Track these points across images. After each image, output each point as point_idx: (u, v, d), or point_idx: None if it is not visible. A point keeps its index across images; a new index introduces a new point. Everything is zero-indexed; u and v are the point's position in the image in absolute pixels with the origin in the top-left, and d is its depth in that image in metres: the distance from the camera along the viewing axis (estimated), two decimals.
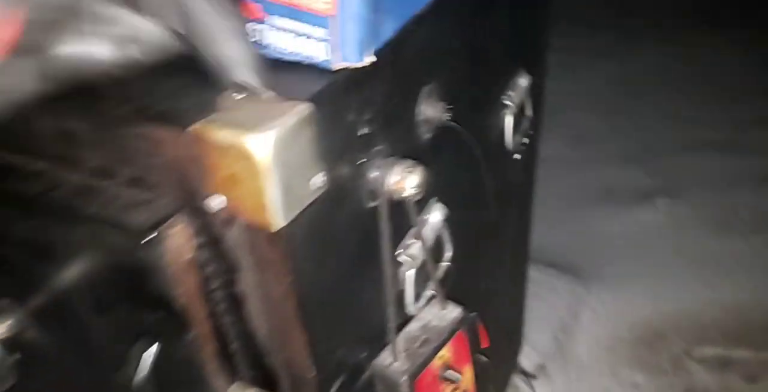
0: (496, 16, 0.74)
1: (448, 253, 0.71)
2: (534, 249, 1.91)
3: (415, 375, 0.60)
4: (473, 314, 0.73)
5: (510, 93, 0.85)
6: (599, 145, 2.43)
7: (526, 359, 1.56)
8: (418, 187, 0.51)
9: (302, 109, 0.39)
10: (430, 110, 0.58)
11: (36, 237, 0.45)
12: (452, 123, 0.60)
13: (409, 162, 0.51)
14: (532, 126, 0.95)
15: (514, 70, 0.85)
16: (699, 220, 2.02)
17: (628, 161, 2.33)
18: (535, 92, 0.94)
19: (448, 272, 0.71)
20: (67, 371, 0.54)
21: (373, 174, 0.50)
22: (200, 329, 0.46)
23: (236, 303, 0.48)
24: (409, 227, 0.60)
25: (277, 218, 0.40)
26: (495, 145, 0.86)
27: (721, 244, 1.93)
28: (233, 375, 0.52)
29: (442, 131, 0.62)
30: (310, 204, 0.43)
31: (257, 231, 0.42)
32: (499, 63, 0.80)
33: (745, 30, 2.95)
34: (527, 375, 1.53)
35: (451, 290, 0.71)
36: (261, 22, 0.44)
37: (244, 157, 0.38)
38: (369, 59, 0.44)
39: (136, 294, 0.44)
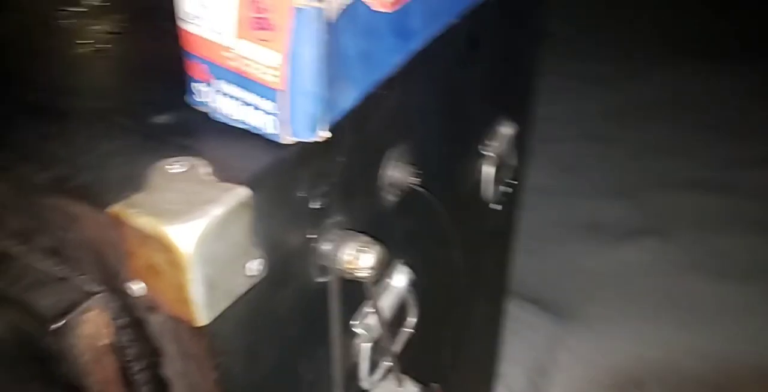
0: (477, 68, 0.70)
1: (412, 320, 0.67)
2: (515, 282, 1.87)
3: None
4: (437, 386, 0.69)
5: (490, 143, 0.81)
6: (588, 177, 2.39)
7: None
8: (373, 268, 0.46)
9: (238, 194, 0.35)
10: (397, 173, 0.54)
11: None
12: (419, 187, 0.56)
13: (365, 238, 0.46)
14: (515, 175, 0.91)
15: (495, 119, 0.81)
16: (688, 263, 1.98)
17: (617, 195, 2.29)
18: (521, 140, 0.91)
19: (411, 339, 0.67)
20: None
21: (325, 248, 0.46)
22: None
23: (161, 387, 0.43)
24: (366, 297, 0.55)
25: (202, 314, 0.36)
26: (473, 196, 0.82)
27: (710, 290, 1.89)
28: None
29: (409, 193, 0.58)
30: (245, 293, 0.39)
31: (180, 323, 0.38)
32: (479, 113, 0.77)
33: (745, 63, 2.91)
34: None
35: (419, 343, 0.66)
36: (204, 83, 0.40)
37: (165, 248, 0.33)
38: (323, 135, 0.40)
39: (43, 383, 0.40)
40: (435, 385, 0.68)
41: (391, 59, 0.46)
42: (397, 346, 0.64)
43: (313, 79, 0.36)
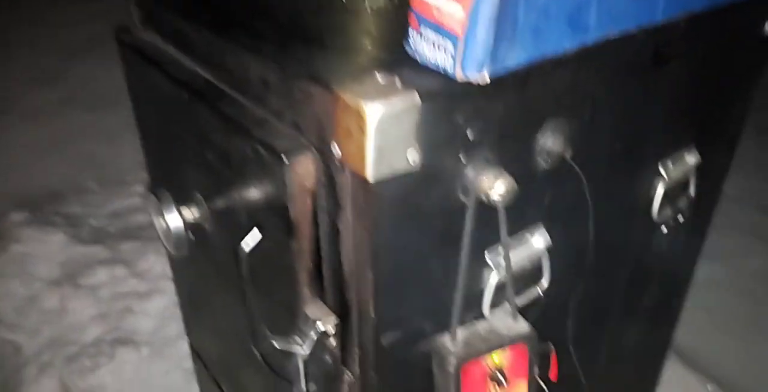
0: (666, 86, 0.79)
1: (544, 282, 0.77)
2: (707, 360, 1.77)
3: (464, 360, 0.68)
4: (546, 343, 0.79)
5: (668, 163, 0.88)
6: None
7: None
8: (504, 194, 0.60)
9: (412, 98, 0.53)
10: (551, 142, 0.67)
11: (223, 144, 0.65)
12: (570, 162, 0.68)
13: (501, 170, 0.61)
14: (692, 207, 0.95)
15: (678, 142, 0.88)
16: None
17: None
18: (709, 175, 0.95)
19: (538, 300, 0.78)
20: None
21: (470, 172, 0.61)
22: (302, 244, 0.61)
23: (334, 235, 0.62)
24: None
25: (371, 172, 0.53)
26: (638, 210, 0.89)
27: None
28: (319, 294, 0.66)
29: (561, 167, 0.70)
30: (405, 176, 0.56)
31: (358, 180, 0.56)
32: (663, 131, 0.85)
33: None
34: None
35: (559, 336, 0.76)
36: (416, 31, 0.58)
37: (359, 117, 0.52)
38: (484, 79, 0.55)
39: (266, 198, 0.61)
40: (550, 345, 0.78)
41: (561, 43, 0.61)
42: (528, 295, 0.76)
43: (484, 32, 0.53)
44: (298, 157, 0.57)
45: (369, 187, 0.55)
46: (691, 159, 0.91)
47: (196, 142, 0.76)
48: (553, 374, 0.78)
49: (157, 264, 2.19)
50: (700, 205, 0.98)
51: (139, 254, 2.25)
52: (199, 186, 0.80)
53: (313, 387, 0.65)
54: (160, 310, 2.04)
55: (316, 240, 0.63)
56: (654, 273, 1.02)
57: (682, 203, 0.94)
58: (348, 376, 0.70)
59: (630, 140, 0.80)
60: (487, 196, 0.61)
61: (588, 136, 0.72)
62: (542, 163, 0.69)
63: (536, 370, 0.74)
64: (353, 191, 0.58)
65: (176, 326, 1.96)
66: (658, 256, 0.99)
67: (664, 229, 0.95)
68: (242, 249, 0.57)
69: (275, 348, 0.64)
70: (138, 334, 1.98)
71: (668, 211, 0.92)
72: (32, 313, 2.08)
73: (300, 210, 0.59)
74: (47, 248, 2.30)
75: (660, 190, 0.89)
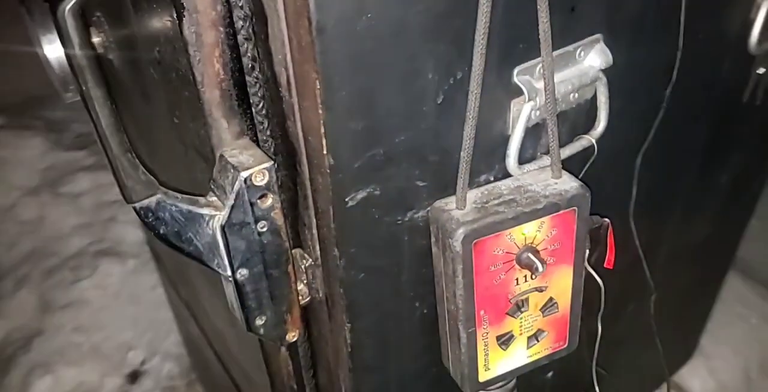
0: None
1: (599, 127, 0.52)
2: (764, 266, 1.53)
3: (477, 233, 0.44)
4: (605, 221, 0.54)
5: None
6: None
7: (697, 379, 1.25)
8: None
9: None
10: None
11: None
12: None
13: None
14: None
15: None
16: None
17: None
18: None
19: (589, 152, 0.53)
20: None
21: None
22: (202, 31, 0.36)
23: (257, 20, 0.37)
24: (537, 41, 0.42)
25: None
26: (730, 37, 0.62)
27: None
28: (249, 131, 0.41)
29: None
30: None
31: None
32: None
33: None
34: None
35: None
36: None
37: None
38: None
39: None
40: (605, 220, 0.53)
41: None
42: (568, 149, 0.51)
43: None
44: None
45: None
46: None
47: None
48: (609, 260, 0.54)
49: None
50: None
51: None
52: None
53: (243, 271, 0.42)
54: None
55: (231, 35, 0.37)
56: (740, 136, 0.75)
57: None
58: (304, 258, 0.47)
59: None
60: None
61: None
62: None
63: (585, 252, 0.50)
64: None
65: None
66: (747, 110, 0.72)
67: (761, 70, 0.68)
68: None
69: (179, 210, 0.41)
70: (123, 245, 1.79)
71: None
72: (9, 224, 1.90)
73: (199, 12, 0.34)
74: (26, 154, 2.10)
75: (764, 9, 0.62)
